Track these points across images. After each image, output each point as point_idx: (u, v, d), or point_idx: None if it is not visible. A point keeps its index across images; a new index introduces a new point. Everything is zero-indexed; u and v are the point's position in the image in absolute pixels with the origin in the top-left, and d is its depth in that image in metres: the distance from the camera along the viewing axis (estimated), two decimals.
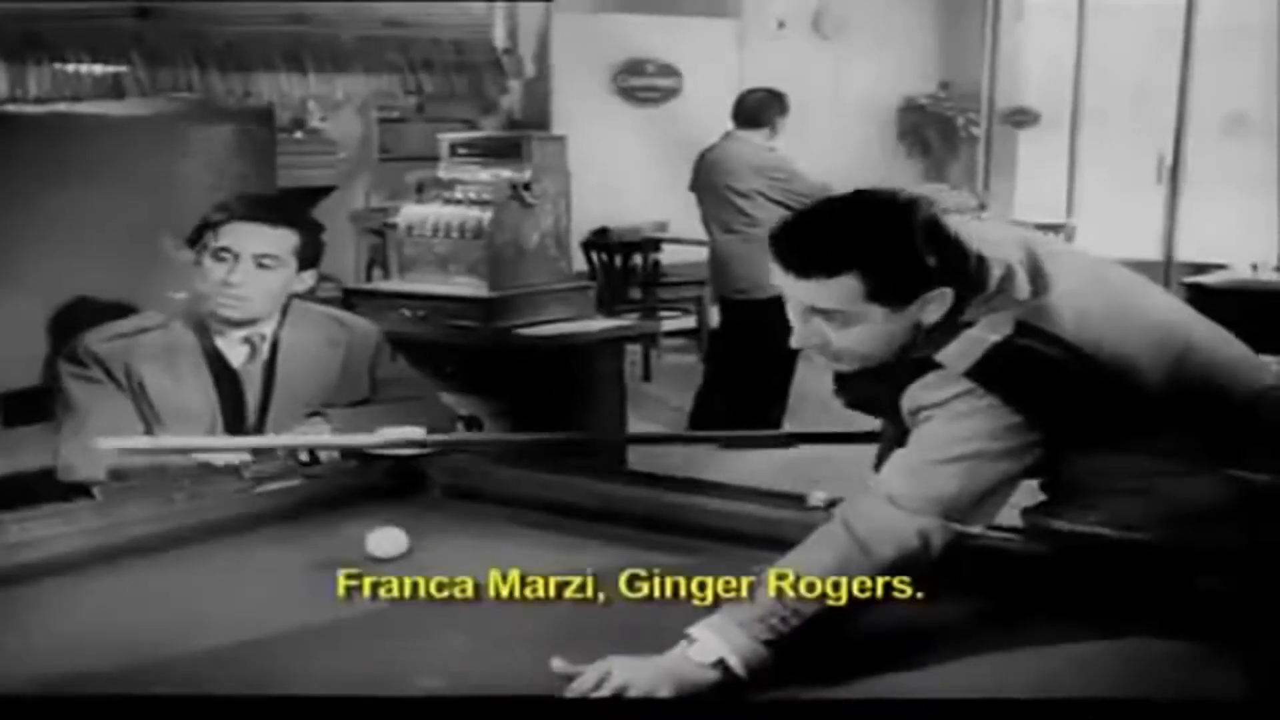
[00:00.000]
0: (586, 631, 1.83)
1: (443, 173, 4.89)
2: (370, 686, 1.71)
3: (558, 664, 1.70)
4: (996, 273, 1.96)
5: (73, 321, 3.20)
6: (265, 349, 2.87)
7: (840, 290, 1.91)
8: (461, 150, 4.92)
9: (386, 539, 2.15)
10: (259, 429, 2.82)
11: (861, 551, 1.81)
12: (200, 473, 2.47)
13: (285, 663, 1.79)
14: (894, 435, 2.12)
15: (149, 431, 2.76)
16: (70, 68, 3.65)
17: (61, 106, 3.72)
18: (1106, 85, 9.13)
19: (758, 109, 6.19)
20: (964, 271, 1.95)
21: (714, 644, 1.74)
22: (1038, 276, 1.98)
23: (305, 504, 2.42)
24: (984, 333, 1.92)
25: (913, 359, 1.96)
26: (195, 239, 2.84)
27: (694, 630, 1.75)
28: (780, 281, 1.97)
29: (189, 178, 4.01)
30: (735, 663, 1.73)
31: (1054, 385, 1.92)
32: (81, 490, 2.61)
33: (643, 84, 8.94)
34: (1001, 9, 9.54)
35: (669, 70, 8.96)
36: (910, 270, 1.92)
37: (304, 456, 2.64)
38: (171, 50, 3.78)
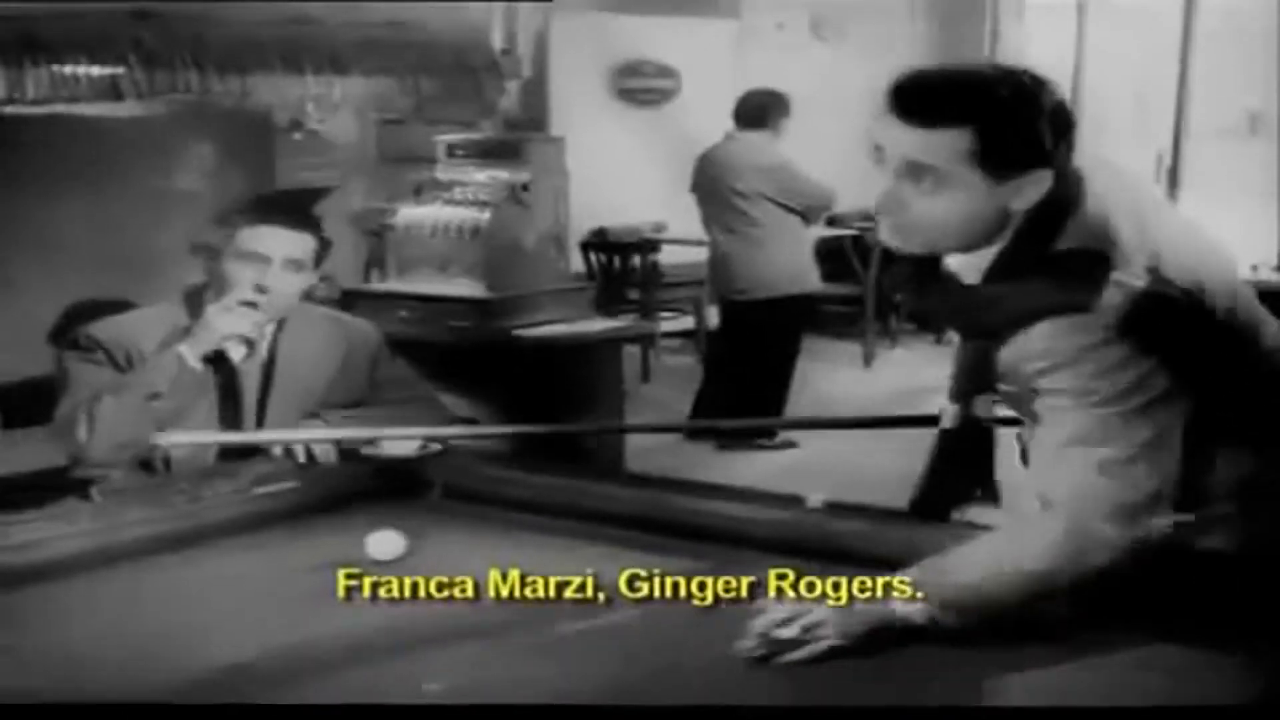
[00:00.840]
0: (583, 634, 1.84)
1: (441, 174, 4.90)
2: (370, 690, 1.71)
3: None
4: (1076, 186, 1.89)
5: (75, 321, 3.20)
6: (264, 348, 2.87)
7: (947, 144, 1.84)
8: (459, 151, 4.92)
9: (386, 541, 2.15)
10: (256, 428, 2.82)
11: (1074, 558, 1.79)
12: (198, 475, 2.47)
13: (284, 665, 1.79)
14: (969, 361, 2.03)
15: None
16: (68, 70, 3.65)
17: (59, 108, 3.72)
18: (1106, 85, 9.13)
19: (759, 110, 6.20)
20: (1065, 174, 1.88)
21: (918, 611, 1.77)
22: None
23: (304, 506, 2.41)
24: (1127, 278, 1.84)
25: (996, 292, 1.90)
26: (214, 240, 2.83)
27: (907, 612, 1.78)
28: (882, 133, 1.89)
29: (187, 179, 4.01)
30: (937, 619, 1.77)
31: (1187, 336, 1.87)
32: (80, 490, 2.61)
33: (641, 85, 8.94)
34: (1001, 10, 9.55)
35: (667, 71, 8.96)
36: (1024, 140, 1.85)
37: (301, 457, 2.64)
38: (169, 52, 3.78)
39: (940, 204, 1.87)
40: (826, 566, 2.04)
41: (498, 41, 5.08)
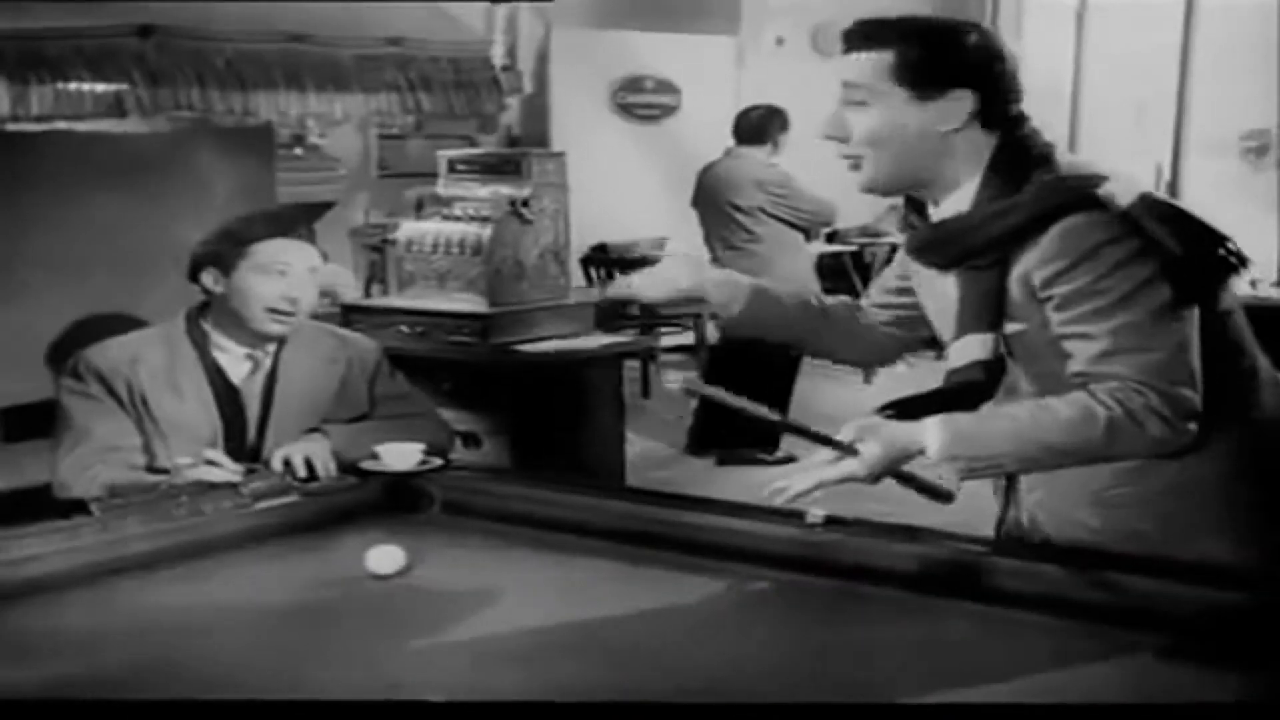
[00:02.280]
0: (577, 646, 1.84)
1: (442, 189, 4.90)
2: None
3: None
4: (1044, 137, 2.05)
5: (79, 338, 3.20)
6: (267, 365, 2.88)
7: (873, 62, 2.02)
8: (460, 167, 4.92)
9: (386, 556, 2.15)
10: (258, 445, 2.83)
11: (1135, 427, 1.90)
12: (199, 490, 2.47)
13: (283, 680, 1.79)
14: (976, 300, 2.06)
15: (149, 447, 2.76)
16: (72, 87, 3.67)
17: (62, 125, 3.74)
18: (1107, 97, 9.14)
19: (759, 125, 6.21)
20: (1003, 104, 2.04)
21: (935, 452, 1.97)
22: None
23: (304, 521, 2.41)
24: (1128, 184, 1.97)
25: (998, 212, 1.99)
26: (225, 253, 2.84)
27: (928, 436, 1.98)
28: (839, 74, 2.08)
29: (190, 195, 4.02)
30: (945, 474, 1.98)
31: (1184, 246, 1.95)
32: (81, 507, 2.61)
33: (642, 101, 8.96)
34: (1000, 23, 9.56)
35: (668, 87, 8.98)
36: (940, 59, 2.02)
37: (302, 472, 2.64)
38: (172, 69, 3.79)
39: (870, 120, 2.04)
40: (827, 580, 2.06)
41: (498, 57, 5.10)
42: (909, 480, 2.06)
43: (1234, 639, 1.75)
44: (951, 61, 2.02)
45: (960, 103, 2.02)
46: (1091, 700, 1.66)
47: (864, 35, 2.05)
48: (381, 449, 2.62)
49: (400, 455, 2.61)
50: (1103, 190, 1.95)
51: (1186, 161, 8.73)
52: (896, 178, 2.08)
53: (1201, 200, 8.69)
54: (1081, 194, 1.95)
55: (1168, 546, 1.99)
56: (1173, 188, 8.80)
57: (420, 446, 2.64)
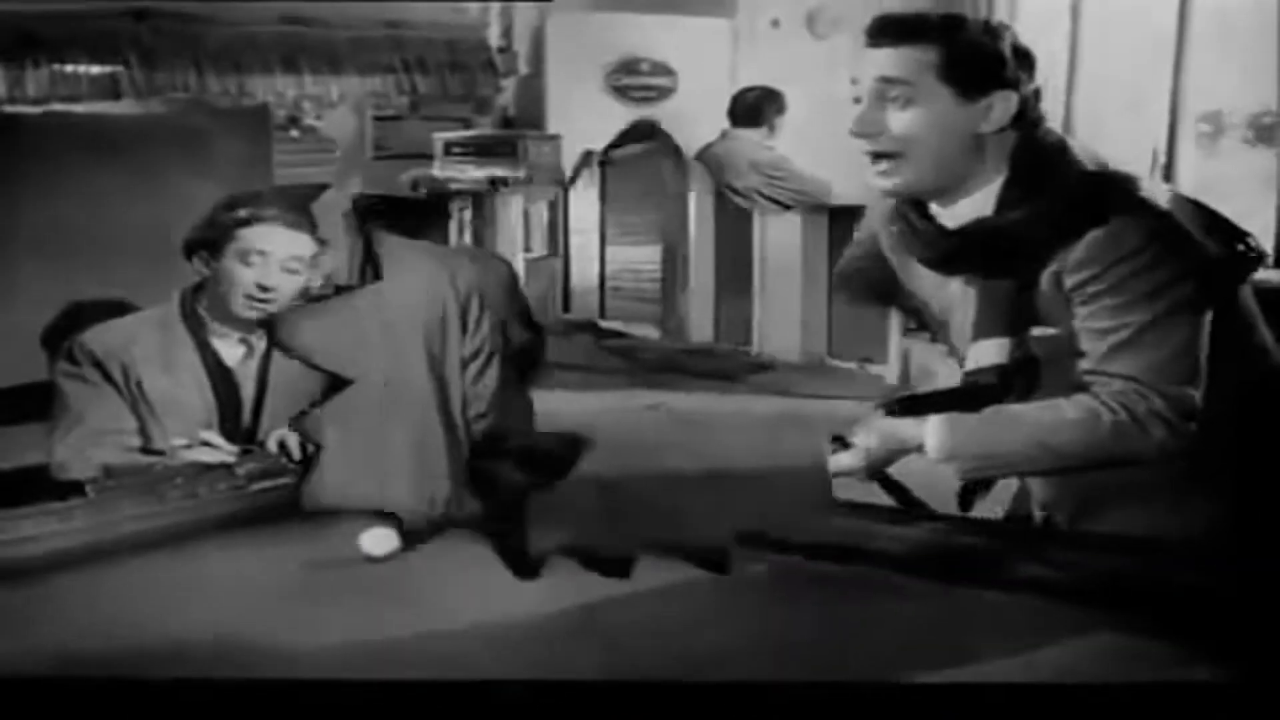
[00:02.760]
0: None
1: (437, 171, 4.90)
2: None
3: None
4: (1056, 133, 2.03)
5: (73, 321, 3.20)
6: (261, 347, 2.88)
7: (916, 58, 1.95)
8: (456, 149, 4.92)
9: (380, 538, 2.16)
10: (253, 427, 2.83)
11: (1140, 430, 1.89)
12: (194, 471, 2.47)
13: (276, 661, 1.80)
14: (995, 307, 2.03)
15: (144, 430, 2.77)
16: (68, 68, 3.67)
17: (58, 107, 3.73)
18: (1101, 80, 9.13)
19: (755, 107, 6.21)
20: (1036, 110, 2.01)
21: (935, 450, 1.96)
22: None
23: (299, 502, 2.42)
24: (1159, 185, 1.99)
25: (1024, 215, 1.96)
26: (213, 237, 2.83)
27: (928, 434, 1.96)
28: (858, 66, 2.02)
29: (185, 177, 4.01)
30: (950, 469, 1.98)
31: (1212, 245, 1.95)
32: (77, 489, 2.61)
33: (637, 83, 8.93)
34: (995, 8, 9.54)
35: (664, 69, 8.95)
36: (987, 58, 1.96)
37: (297, 455, 2.65)
38: (168, 52, 3.79)
39: (913, 118, 1.96)
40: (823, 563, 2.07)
41: (494, 39, 5.09)
42: (898, 493, 2.07)
43: (1225, 621, 1.76)
44: (999, 61, 1.97)
45: (1005, 104, 1.97)
46: (1080, 680, 1.67)
47: (904, 30, 1.97)
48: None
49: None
50: (1143, 192, 1.94)
51: (1181, 146, 8.71)
52: (931, 180, 2.01)
53: (1200, 184, 8.68)
54: (1122, 195, 1.93)
55: (1163, 526, 2.00)
56: (1168, 172, 8.79)
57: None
